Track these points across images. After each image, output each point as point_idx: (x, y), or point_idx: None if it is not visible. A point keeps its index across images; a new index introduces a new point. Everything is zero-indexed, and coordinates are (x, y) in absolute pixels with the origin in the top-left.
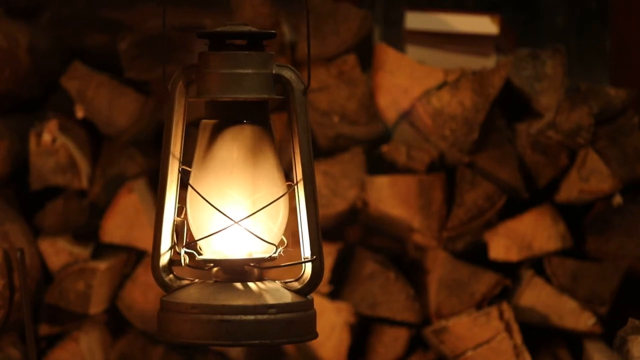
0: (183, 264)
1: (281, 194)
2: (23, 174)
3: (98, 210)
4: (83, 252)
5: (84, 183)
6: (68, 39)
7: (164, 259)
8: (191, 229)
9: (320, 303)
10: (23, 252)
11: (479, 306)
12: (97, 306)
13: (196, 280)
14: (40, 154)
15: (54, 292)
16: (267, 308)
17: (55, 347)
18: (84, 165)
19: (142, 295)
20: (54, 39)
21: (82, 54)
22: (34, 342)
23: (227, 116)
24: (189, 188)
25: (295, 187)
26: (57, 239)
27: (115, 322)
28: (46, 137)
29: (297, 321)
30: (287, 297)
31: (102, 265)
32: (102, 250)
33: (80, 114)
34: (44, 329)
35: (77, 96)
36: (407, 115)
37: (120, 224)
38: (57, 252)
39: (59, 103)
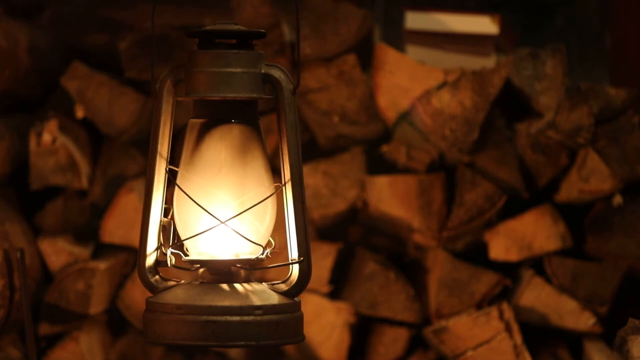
0: (169, 265)
1: (268, 195)
2: (23, 174)
3: (98, 210)
4: (83, 252)
5: (84, 183)
6: (68, 39)
7: (150, 260)
8: (178, 229)
9: (320, 303)
10: (23, 252)
11: (479, 306)
12: (97, 306)
13: (182, 281)
14: (40, 154)
15: (54, 292)
16: (253, 309)
17: (55, 347)
18: (84, 165)
19: (142, 295)
20: (54, 39)
21: (82, 54)
22: (34, 342)
23: (215, 115)
24: (176, 188)
25: (284, 188)
26: (57, 239)
27: (115, 322)
28: (46, 137)
29: (284, 323)
30: (274, 299)
31: (102, 265)
32: (102, 250)
33: (80, 114)
34: (44, 329)
35: (77, 96)
36: (407, 115)
37: (120, 224)
38: (57, 252)
39: (59, 103)
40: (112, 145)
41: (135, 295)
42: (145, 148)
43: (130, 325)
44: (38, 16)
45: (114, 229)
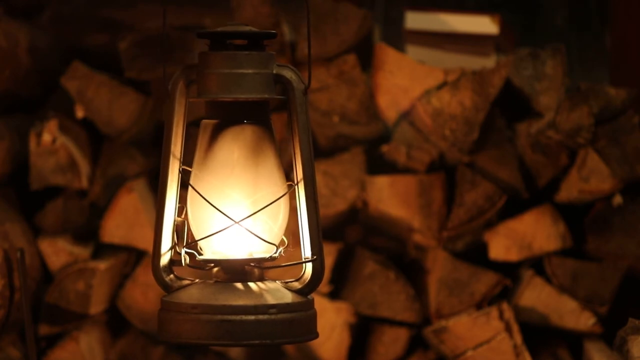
0: (184, 264)
1: (281, 194)
2: (23, 174)
3: (98, 210)
4: (83, 252)
5: (84, 183)
6: (68, 39)
7: (164, 259)
8: (192, 229)
9: (320, 303)
10: (23, 252)
11: (479, 306)
12: (97, 306)
13: (197, 281)
14: (40, 154)
15: (54, 292)
16: (267, 308)
17: (55, 347)
18: (84, 165)
19: (142, 295)
20: (54, 39)
21: (82, 53)
22: (34, 342)
23: (227, 116)
24: (190, 188)
25: (296, 187)
26: (57, 239)
27: (115, 322)
28: (46, 137)
29: (298, 321)
30: (288, 297)
31: (102, 265)
32: (102, 250)
33: (80, 114)
34: (44, 329)
35: (77, 96)
36: (407, 115)
37: (120, 224)
38: (57, 252)
39: (59, 103)
40: (112, 145)
41: (135, 295)
42: (145, 148)
43: (130, 325)
44: (38, 16)
45: (114, 229)
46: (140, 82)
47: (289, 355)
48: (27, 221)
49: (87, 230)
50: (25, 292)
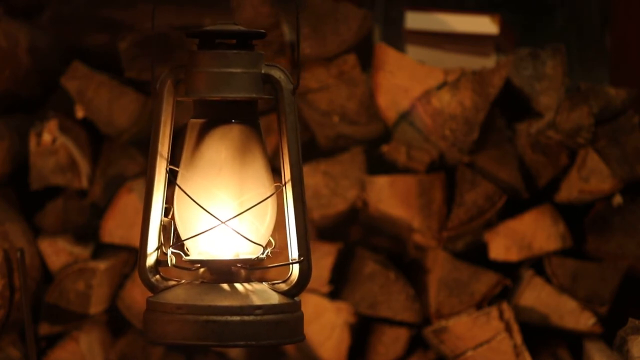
0: (170, 265)
1: (268, 195)
2: (23, 174)
3: (98, 210)
4: (83, 252)
5: (84, 183)
6: (68, 39)
7: (150, 260)
8: (178, 229)
9: (320, 303)
10: (23, 252)
11: (479, 306)
12: (97, 306)
13: (183, 281)
14: (40, 154)
15: (54, 292)
16: (253, 309)
17: (55, 347)
18: (84, 165)
19: (142, 295)
20: (54, 39)
21: (82, 54)
22: (34, 342)
23: (215, 115)
24: (176, 188)
25: (284, 188)
26: (57, 239)
27: (115, 322)
28: (46, 137)
29: (284, 323)
30: (274, 299)
31: (102, 265)
32: (102, 250)
33: (80, 114)
34: (44, 329)
35: (77, 96)
36: (407, 115)
37: (120, 224)
38: (57, 252)
39: (59, 103)
40: (112, 145)
41: (135, 295)
42: (145, 148)
43: (130, 325)
44: (38, 16)
45: (114, 229)
46: (140, 82)
47: (289, 355)
48: (27, 221)
49: (87, 230)
50: (25, 292)
